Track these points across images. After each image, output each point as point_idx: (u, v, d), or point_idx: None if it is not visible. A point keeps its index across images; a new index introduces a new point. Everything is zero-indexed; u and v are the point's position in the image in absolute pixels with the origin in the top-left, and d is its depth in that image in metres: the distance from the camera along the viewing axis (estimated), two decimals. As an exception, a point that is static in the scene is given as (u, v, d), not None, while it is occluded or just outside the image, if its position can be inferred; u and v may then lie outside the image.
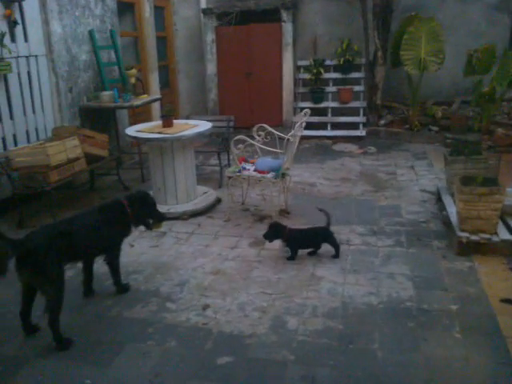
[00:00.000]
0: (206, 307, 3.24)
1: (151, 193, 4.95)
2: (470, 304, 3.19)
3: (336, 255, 3.89)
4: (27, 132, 5.29)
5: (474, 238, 3.80)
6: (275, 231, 3.87)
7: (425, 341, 2.83)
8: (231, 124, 6.08)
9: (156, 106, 7.90)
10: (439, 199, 4.81)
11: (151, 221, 3.52)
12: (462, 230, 3.86)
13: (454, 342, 2.81)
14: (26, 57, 5.25)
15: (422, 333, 2.90)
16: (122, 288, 3.46)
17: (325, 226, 3.94)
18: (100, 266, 3.81)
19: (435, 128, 7.81)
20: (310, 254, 3.96)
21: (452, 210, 4.22)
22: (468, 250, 3.83)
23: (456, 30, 8.05)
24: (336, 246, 3.91)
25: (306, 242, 3.96)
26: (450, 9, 8.15)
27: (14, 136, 5.11)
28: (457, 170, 4.46)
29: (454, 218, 4.07)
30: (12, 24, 4.99)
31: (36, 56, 5.38)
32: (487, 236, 3.79)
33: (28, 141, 5.25)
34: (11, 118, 5.07)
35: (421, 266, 3.70)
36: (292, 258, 3.89)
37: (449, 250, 3.95)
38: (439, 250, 3.98)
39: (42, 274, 2.76)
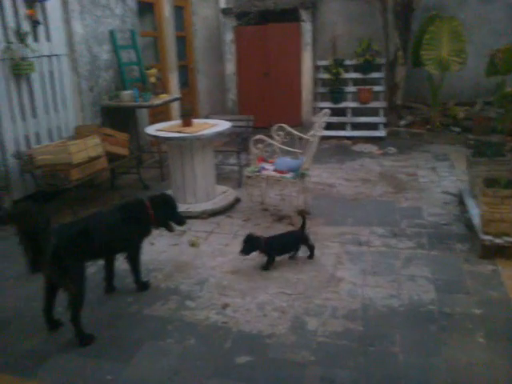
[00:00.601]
0: (225, 306, 3.24)
1: (171, 192, 4.99)
2: (493, 308, 3.13)
3: (311, 256, 3.86)
4: (49, 130, 5.36)
5: (497, 241, 3.73)
6: (251, 244, 3.68)
7: (447, 345, 2.78)
8: (250, 124, 6.08)
9: (175, 106, 7.94)
10: (461, 201, 4.74)
11: (172, 223, 3.52)
12: (486, 233, 3.79)
13: (476, 346, 2.76)
14: (48, 56, 5.31)
15: (444, 337, 2.86)
16: (142, 286, 3.48)
17: (300, 228, 3.88)
18: (121, 263, 3.84)
19: (457, 129, 7.71)
20: (291, 258, 3.88)
21: (475, 213, 4.15)
22: (491, 253, 3.76)
23: (478, 30, 7.92)
24: (311, 247, 3.87)
25: (284, 247, 3.84)
26: (472, 8, 8.02)
27: (37, 134, 5.18)
28: (480, 172, 4.39)
29: (476, 221, 4.00)
30: (34, 24, 5.05)
31: (58, 55, 5.45)
32: (511, 239, 3.72)
33: (50, 139, 5.32)
34: (34, 116, 5.14)
35: (443, 269, 3.65)
36: (268, 267, 3.72)
37: (471, 253, 3.89)
38: (461, 252, 3.91)
39: (63, 271, 2.79)
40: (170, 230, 3.52)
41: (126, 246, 3.30)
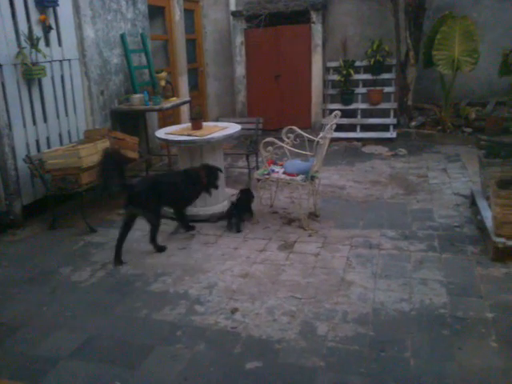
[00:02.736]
0: (234, 311, 3.22)
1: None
2: (507, 312, 3.07)
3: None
4: (60, 134, 5.39)
5: (510, 243, 3.67)
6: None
7: (460, 350, 2.74)
8: (260, 126, 6.07)
9: (185, 109, 7.96)
10: (473, 203, 4.67)
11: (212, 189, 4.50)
12: (498, 236, 3.73)
13: (490, 351, 2.72)
14: (60, 61, 5.36)
15: (457, 341, 2.81)
16: (187, 228, 4.53)
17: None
18: (130, 267, 3.86)
19: (468, 130, 7.61)
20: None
21: (487, 215, 4.09)
22: (504, 255, 3.70)
23: (491, 30, 7.82)
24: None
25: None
26: (485, 7, 7.92)
27: (48, 138, 5.21)
28: (493, 173, 4.32)
29: (489, 223, 3.94)
30: (46, 29, 5.09)
31: (69, 60, 5.49)
32: (525, 242, 3.66)
33: (61, 143, 5.35)
34: (45, 120, 5.18)
35: (455, 272, 3.60)
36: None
37: (484, 255, 3.83)
38: (474, 255, 3.86)
39: (146, 208, 4.00)
40: (210, 194, 4.51)
41: (181, 199, 4.35)
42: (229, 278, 3.66)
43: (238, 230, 4.49)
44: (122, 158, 4.62)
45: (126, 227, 3.99)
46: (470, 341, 2.81)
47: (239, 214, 4.55)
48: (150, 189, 4.04)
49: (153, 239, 4.10)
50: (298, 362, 2.70)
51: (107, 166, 3.96)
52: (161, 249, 4.15)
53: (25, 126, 4.90)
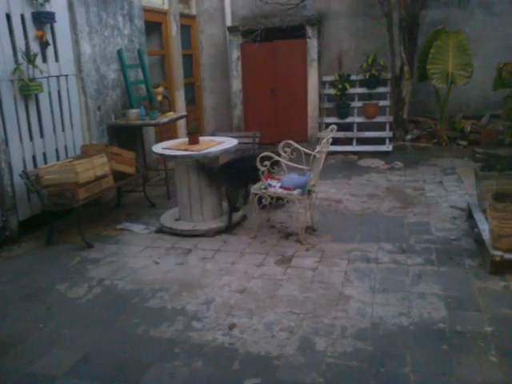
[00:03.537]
0: (232, 326, 3.20)
1: (177, 210, 5.06)
2: (505, 326, 3.06)
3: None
4: (57, 150, 5.39)
5: (508, 256, 3.67)
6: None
7: (459, 364, 2.72)
8: (256, 140, 6.08)
9: (182, 123, 7.99)
10: (470, 216, 4.68)
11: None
12: (496, 248, 3.73)
13: (490, 366, 2.70)
14: (57, 76, 5.38)
15: (456, 356, 2.80)
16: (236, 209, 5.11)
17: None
18: (126, 283, 3.84)
19: (464, 142, 7.66)
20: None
21: (484, 228, 4.09)
22: (502, 269, 3.70)
23: (485, 43, 7.92)
24: None
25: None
26: (478, 22, 8.03)
27: (44, 154, 5.21)
28: (489, 186, 4.34)
29: (486, 236, 3.94)
30: (44, 45, 5.12)
31: (66, 76, 5.51)
32: (522, 255, 3.66)
33: (57, 158, 5.35)
34: (41, 136, 5.18)
35: (453, 286, 3.59)
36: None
37: (481, 268, 3.83)
38: (471, 268, 3.86)
39: (229, 186, 4.95)
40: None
41: (251, 180, 4.90)
42: (226, 294, 3.64)
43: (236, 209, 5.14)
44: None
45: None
46: (470, 355, 2.80)
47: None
48: (233, 171, 4.99)
49: (231, 209, 4.94)
50: (296, 378, 2.68)
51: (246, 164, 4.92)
52: (237, 209, 5.11)
53: (21, 141, 4.90)
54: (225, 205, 5.17)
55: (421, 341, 2.95)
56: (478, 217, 4.38)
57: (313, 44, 8.52)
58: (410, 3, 7.63)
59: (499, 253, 3.68)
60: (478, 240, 4.18)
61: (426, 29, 7.91)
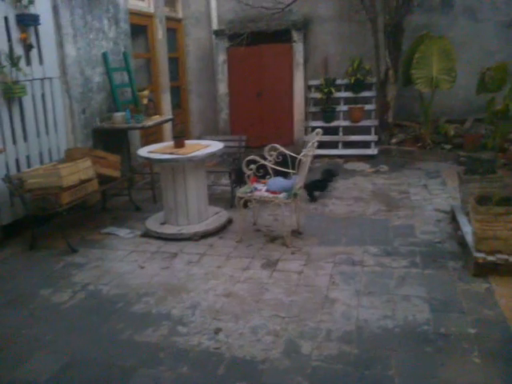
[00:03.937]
0: (217, 331, 3.19)
1: (163, 213, 5.02)
2: (488, 327, 3.10)
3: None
4: (40, 153, 5.33)
5: (490, 258, 3.71)
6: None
7: (443, 366, 2.75)
8: (243, 144, 6.09)
9: (168, 127, 7.96)
10: (454, 219, 4.74)
11: None
12: (478, 251, 3.78)
13: (473, 367, 2.73)
14: (41, 79, 5.32)
15: (440, 358, 2.82)
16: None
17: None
18: (110, 288, 3.81)
19: (448, 146, 7.75)
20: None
21: (467, 230, 4.14)
22: (485, 271, 3.74)
23: (468, 49, 8.03)
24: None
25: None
26: (462, 27, 8.15)
27: (28, 157, 5.15)
28: (472, 189, 4.39)
29: (469, 238, 3.99)
30: (27, 47, 5.07)
31: (50, 78, 5.46)
32: (505, 257, 3.70)
33: (41, 162, 5.29)
34: (25, 139, 5.12)
35: (437, 288, 3.62)
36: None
37: (465, 271, 3.87)
38: (455, 271, 3.90)
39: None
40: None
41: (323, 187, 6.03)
42: (212, 298, 3.63)
43: (314, 200, 5.83)
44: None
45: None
46: (453, 357, 2.82)
47: (318, 188, 5.96)
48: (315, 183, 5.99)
49: (310, 197, 5.86)
50: (282, 382, 2.68)
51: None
52: (316, 198, 5.85)
53: (4, 144, 4.84)
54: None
55: (405, 343, 2.97)
56: (462, 219, 4.44)
57: (299, 48, 8.57)
58: (394, 9, 7.72)
59: (482, 255, 3.73)
60: (462, 242, 4.23)
61: (410, 34, 7.99)
